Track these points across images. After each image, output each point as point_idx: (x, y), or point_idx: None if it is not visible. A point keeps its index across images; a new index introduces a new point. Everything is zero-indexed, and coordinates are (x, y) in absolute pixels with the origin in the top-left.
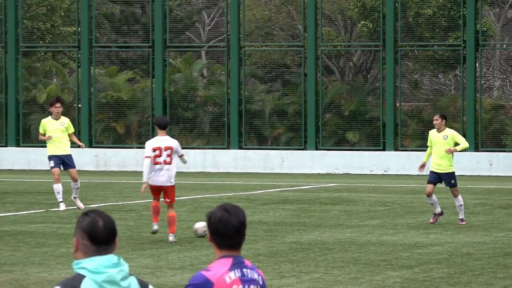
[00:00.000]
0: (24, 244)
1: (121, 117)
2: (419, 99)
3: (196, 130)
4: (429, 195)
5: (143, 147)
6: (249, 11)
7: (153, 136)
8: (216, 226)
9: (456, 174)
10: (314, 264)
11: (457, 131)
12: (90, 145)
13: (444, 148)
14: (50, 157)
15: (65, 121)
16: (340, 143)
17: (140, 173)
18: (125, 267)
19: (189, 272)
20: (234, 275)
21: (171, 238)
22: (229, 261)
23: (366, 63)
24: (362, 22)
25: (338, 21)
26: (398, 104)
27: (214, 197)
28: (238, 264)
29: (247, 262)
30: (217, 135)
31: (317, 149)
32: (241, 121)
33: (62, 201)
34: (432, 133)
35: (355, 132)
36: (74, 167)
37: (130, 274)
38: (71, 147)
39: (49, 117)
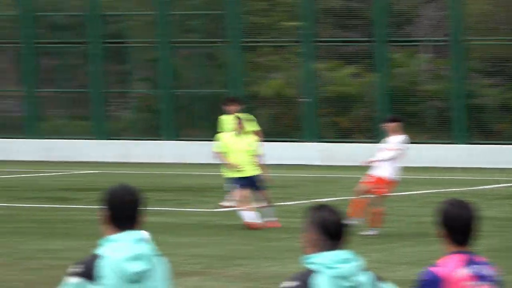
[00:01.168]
0: (254, 238)
1: (345, 112)
2: None
3: (420, 125)
4: None
5: (370, 142)
6: (471, 5)
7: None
8: (447, 221)
9: None
10: None
11: None
12: (315, 139)
13: None
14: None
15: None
16: None
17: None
18: (358, 262)
19: (418, 268)
20: (465, 271)
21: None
22: (459, 257)
23: None
24: None
25: None
26: None
27: (441, 192)
28: (469, 260)
29: (479, 258)
30: (441, 130)
31: None
32: (466, 115)
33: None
34: None
35: None
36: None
37: (366, 270)
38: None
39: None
